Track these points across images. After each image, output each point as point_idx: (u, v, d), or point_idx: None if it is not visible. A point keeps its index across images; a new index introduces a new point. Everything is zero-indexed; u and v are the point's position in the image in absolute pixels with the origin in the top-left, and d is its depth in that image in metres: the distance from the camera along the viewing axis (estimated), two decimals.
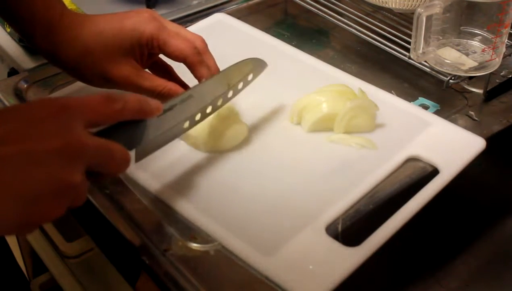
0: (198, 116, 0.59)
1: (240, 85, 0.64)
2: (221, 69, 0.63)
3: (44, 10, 0.60)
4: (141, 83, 0.61)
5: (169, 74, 0.66)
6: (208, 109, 0.60)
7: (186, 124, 0.58)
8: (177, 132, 0.57)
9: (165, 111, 0.54)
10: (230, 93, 0.63)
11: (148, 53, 0.63)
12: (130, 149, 0.51)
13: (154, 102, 0.52)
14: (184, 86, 0.64)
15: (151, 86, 0.61)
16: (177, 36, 0.62)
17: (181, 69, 0.65)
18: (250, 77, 0.65)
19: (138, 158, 0.54)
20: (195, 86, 0.59)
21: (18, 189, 0.40)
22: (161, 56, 0.65)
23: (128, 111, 0.49)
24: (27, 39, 0.63)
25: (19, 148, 0.40)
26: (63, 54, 0.61)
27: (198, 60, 0.62)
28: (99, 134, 0.48)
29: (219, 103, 0.62)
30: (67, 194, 0.43)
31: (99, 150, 0.45)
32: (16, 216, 0.40)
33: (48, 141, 0.41)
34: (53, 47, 0.61)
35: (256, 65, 0.65)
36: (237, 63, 0.63)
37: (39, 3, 0.60)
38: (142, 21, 0.61)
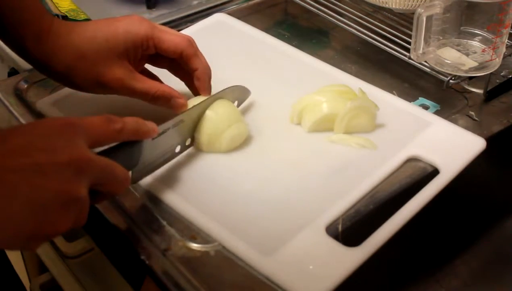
0: (188, 141, 0.62)
1: None
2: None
3: (34, 19, 0.61)
4: (135, 85, 0.62)
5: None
6: (196, 134, 0.63)
7: (178, 148, 0.61)
8: (171, 156, 0.60)
9: (159, 134, 0.56)
10: None
11: (140, 55, 0.63)
12: (127, 170, 0.52)
13: (150, 124, 0.54)
14: None
15: (145, 88, 0.62)
16: (170, 33, 0.63)
17: (166, 79, 0.67)
18: (235, 103, 0.68)
19: (135, 180, 0.56)
20: (185, 112, 0.61)
21: (28, 199, 0.41)
22: (147, 66, 0.67)
23: (127, 131, 0.51)
24: (18, 50, 0.63)
25: (29, 160, 0.42)
26: (55, 61, 0.61)
27: (194, 52, 0.64)
28: (99, 154, 0.49)
29: None
30: (73, 207, 0.44)
31: (103, 167, 0.47)
32: (26, 226, 0.42)
33: (56, 155, 0.43)
34: (45, 54, 0.61)
35: (241, 92, 0.68)
36: (223, 90, 0.65)
37: (29, 13, 0.61)
38: (135, 23, 0.62)
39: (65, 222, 0.44)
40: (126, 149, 0.53)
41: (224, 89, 0.65)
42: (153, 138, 0.55)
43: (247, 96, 0.70)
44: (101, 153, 0.50)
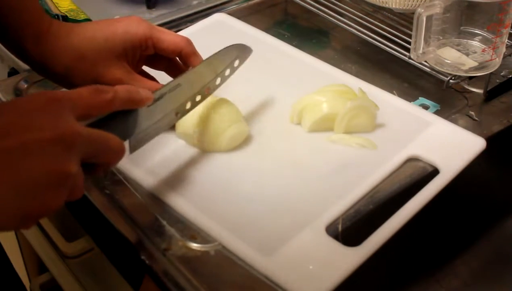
0: (188, 105, 0.60)
1: (227, 72, 0.64)
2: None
3: (33, 21, 0.60)
4: (134, 85, 0.62)
5: None
6: (198, 98, 0.61)
7: (177, 113, 0.59)
8: (168, 122, 0.58)
9: (155, 100, 0.54)
10: (218, 81, 0.63)
11: (139, 56, 0.64)
12: (124, 139, 0.51)
13: (144, 92, 0.52)
14: None
15: (144, 88, 0.62)
16: (169, 33, 0.64)
17: (163, 81, 0.66)
18: (236, 63, 0.65)
19: (132, 149, 0.54)
20: (182, 75, 0.59)
21: (16, 181, 0.40)
22: (144, 68, 0.67)
23: (119, 101, 0.49)
24: (16, 51, 0.63)
25: (13, 141, 0.41)
26: (55, 62, 0.61)
27: (193, 50, 0.64)
28: (91, 126, 0.48)
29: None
30: (64, 184, 0.43)
31: (93, 139, 0.46)
32: (17, 209, 0.41)
33: (42, 133, 0.42)
34: (44, 56, 0.61)
35: (241, 51, 0.66)
36: (222, 50, 0.63)
37: (28, 14, 0.60)
38: (133, 24, 0.62)
39: (58, 200, 0.43)
40: (120, 118, 0.51)
41: (222, 49, 0.64)
42: (148, 106, 0.53)
43: (249, 54, 0.67)
44: (94, 124, 0.48)
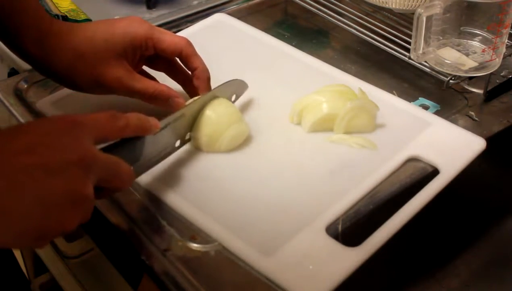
0: (187, 136, 0.62)
1: None
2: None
3: (34, 20, 0.61)
4: (133, 85, 0.62)
5: None
6: (196, 134, 0.63)
7: (178, 143, 0.61)
8: (170, 151, 0.60)
9: (160, 129, 0.56)
10: None
11: (139, 56, 0.64)
12: (130, 165, 0.52)
13: (152, 120, 0.54)
14: None
15: (144, 88, 0.63)
16: (169, 34, 0.64)
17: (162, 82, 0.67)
18: (233, 98, 0.68)
19: (136, 175, 0.56)
20: (186, 106, 0.61)
21: (36, 198, 0.41)
22: (145, 68, 0.67)
23: (130, 128, 0.51)
24: (18, 51, 0.63)
25: (37, 159, 0.42)
26: (55, 61, 0.62)
27: (193, 51, 0.64)
28: (103, 151, 0.49)
29: None
30: (81, 205, 0.44)
31: (108, 163, 0.47)
32: (34, 225, 0.42)
33: (64, 154, 0.43)
34: (45, 55, 0.61)
35: (238, 87, 0.69)
36: (223, 84, 0.66)
37: (29, 14, 0.61)
38: (134, 24, 0.63)
39: (73, 220, 0.44)
40: (129, 144, 0.53)
41: (221, 84, 0.66)
42: (154, 134, 0.55)
43: (245, 89, 0.70)
44: (104, 149, 0.50)
